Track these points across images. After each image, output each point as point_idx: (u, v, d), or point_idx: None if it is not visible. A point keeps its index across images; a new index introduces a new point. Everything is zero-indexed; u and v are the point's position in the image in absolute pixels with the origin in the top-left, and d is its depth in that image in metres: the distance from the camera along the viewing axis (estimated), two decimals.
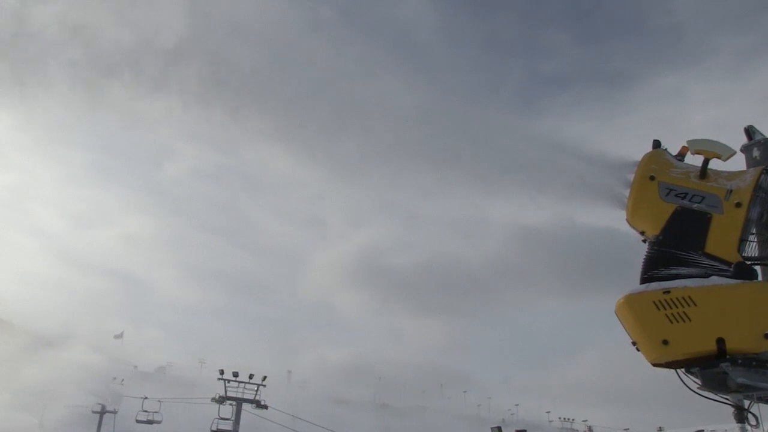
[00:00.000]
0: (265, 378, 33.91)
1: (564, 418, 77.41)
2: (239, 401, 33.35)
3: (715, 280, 6.55)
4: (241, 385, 33.36)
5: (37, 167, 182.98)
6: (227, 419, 33.43)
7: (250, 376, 33.48)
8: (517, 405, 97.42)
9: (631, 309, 6.74)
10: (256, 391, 33.67)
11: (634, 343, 6.74)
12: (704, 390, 6.56)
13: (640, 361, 6.82)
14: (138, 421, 43.96)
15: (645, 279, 6.84)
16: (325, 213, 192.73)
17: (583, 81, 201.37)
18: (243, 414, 33.61)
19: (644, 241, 7.22)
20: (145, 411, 43.63)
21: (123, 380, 73.27)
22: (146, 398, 43.79)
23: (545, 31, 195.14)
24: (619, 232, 7.90)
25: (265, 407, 34.00)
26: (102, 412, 47.44)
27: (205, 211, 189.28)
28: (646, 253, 7.02)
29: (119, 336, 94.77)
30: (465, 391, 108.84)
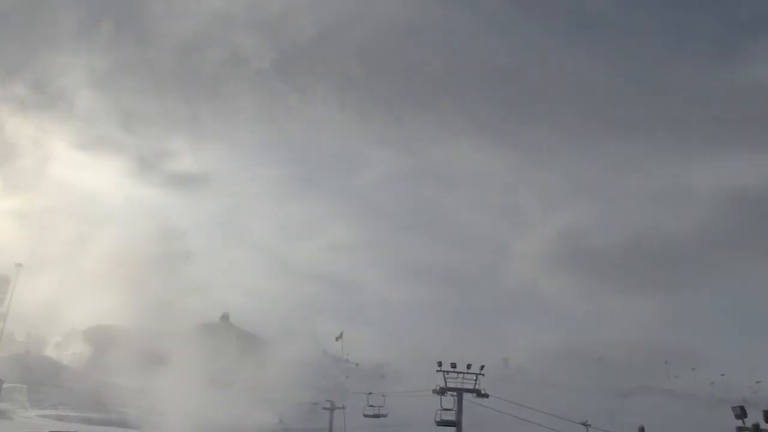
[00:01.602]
0: (482, 367, 33.86)
1: None
2: (460, 391, 33.57)
3: None
4: (460, 375, 33.57)
5: (247, 188, 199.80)
6: (450, 410, 33.79)
7: (468, 366, 33.56)
8: (758, 382, 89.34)
9: None
10: (475, 380, 33.69)
11: None
12: None
13: None
14: (365, 416, 45.99)
15: None
16: (520, 200, 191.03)
17: None
18: (465, 404, 33.85)
19: None
20: (371, 405, 45.51)
21: (347, 377, 77.56)
22: (371, 393, 45.63)
23: None
24: None
25: (486, 396, 33.92)
26: (332, 408, 50.20)
27: (404, 211, 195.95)
28: None
29: (339, 337, 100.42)
30: (693, 369, 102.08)
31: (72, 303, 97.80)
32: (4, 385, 68.39)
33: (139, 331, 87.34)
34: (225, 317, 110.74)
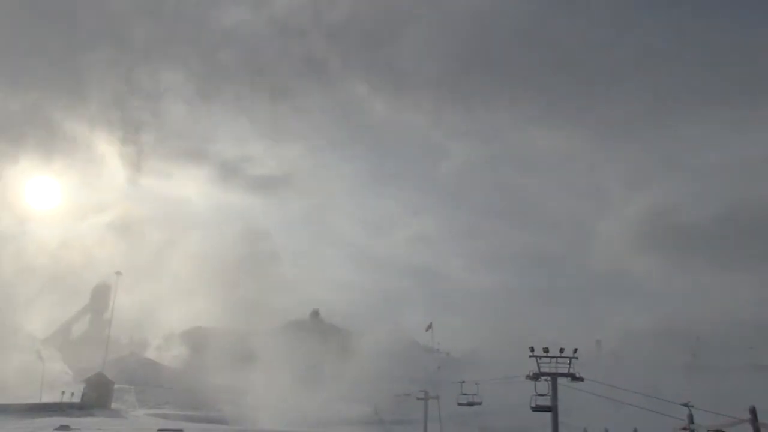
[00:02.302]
0: (575, 351, 33.35)
1: None
2: (554, 376, 33.17)
3: None
4: (553, 360, 33.16)
5: (328, 185, 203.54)
6: (544, 395, 33.41)
7: (561, 350, 33.12)
8: None
9: None
10: (569, 364, 33.22)
11: None
12: None
13: None
14: (460, 404, 45.88)
15: None
16: (603, 180, 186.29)
17: None
18: (559, 388, 33.42)
19: None
20: (465, 394, 45.38)
21: (439, 367, 77.67)
22: (464, 382, 45.49)
23: None
24: None
25: (581, 379, 33.40)
26: (426, 398, 50.38)
27: (485, 199, 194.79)
28: None
29: (429, 327, 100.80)
30: None
31: (169, 307, 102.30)
32: (115, 387, 72.08)
33: (233, 331, 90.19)
34: (315, 313, 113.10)
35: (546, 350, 33.21)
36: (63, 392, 66.75)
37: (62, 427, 48.11)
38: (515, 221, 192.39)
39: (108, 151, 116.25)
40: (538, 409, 33.52)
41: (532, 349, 33.24)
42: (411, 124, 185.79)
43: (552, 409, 33.13)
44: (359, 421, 68.32)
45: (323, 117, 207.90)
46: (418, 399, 51.25)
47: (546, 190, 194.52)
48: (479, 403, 45.74)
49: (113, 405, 69.63)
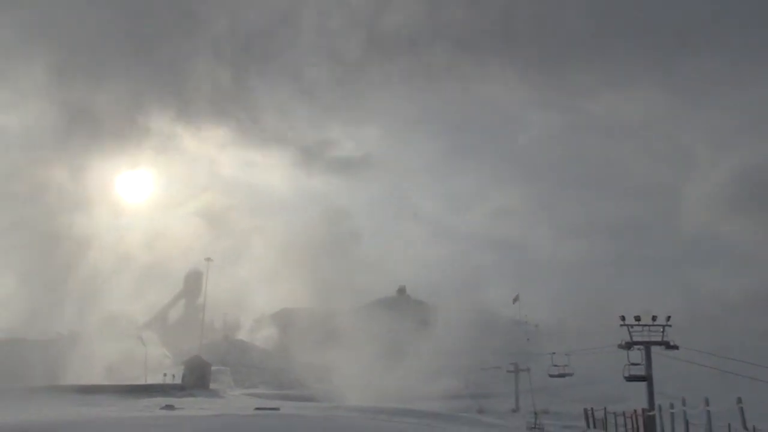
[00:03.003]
0: (669, 318, 32.59)
1: None
2: (647, 344, 32.56)
3: None
4: (646, 328, 32.52)
5: (407, 164, 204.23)
6: (638, 364, 32.85)
7: (654, 318, 32.43)
8: None
9: None
10: (662, 332, 32.52)
11: None
12: None
13: None
14: (551, 376, 45.64)
15: None
16: (688, 143, 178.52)
17: None
18: (654, 357, 32.79)
19: None
20: (556, 365, 45.10)
21: (528, 339, 77.05)
22: (554, 353, 45.17)
23: None
24: None
25: (676, 347, 32.63)
26: (516, 371, 50.35)
27: (566, 168, 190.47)
28: None
29: (516, 299, 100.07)
30: None
31: (257, 290, 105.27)
32: (212, 368, 75.02)
33: (320, 311, 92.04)
34: (402, 290, 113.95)
35: (638, 318, 32.58)
36: (165, 374, 69.96)
37: (167, 406, 50.47)
38: (598, 189, 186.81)
39: (193, 143, 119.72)
40: (632, 378, 32.99)
41: (623, 318, 32.65)
42: (487, 96, 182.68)
43: (647, 378, 32.55)
44: (448, 395, 68.61)
45: (400, 96, 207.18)
46: (509, 372, 51.26)
47: (628, 156, 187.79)
48: (571, 374, 45.36)
49: (211, 386, 72.44)
